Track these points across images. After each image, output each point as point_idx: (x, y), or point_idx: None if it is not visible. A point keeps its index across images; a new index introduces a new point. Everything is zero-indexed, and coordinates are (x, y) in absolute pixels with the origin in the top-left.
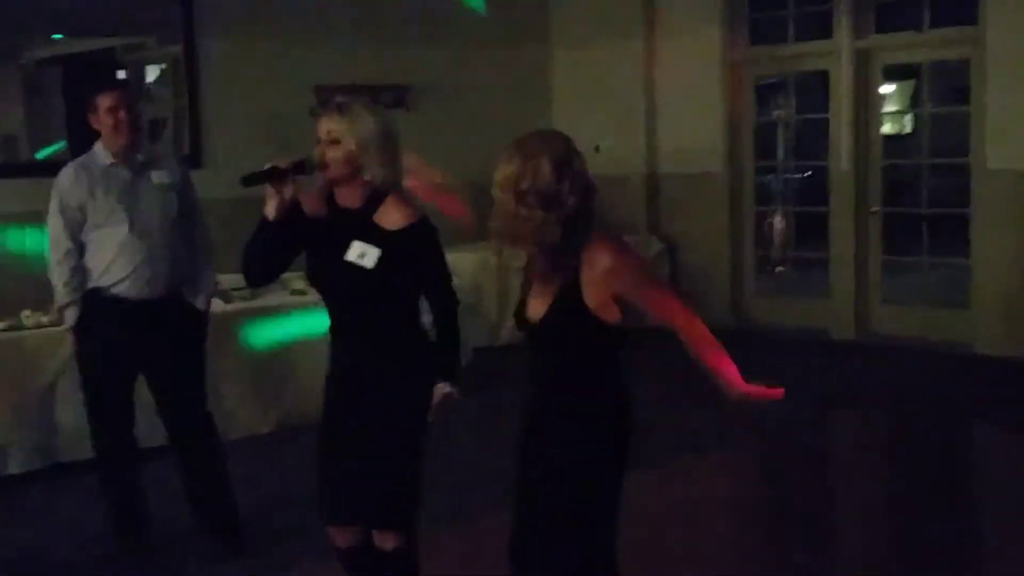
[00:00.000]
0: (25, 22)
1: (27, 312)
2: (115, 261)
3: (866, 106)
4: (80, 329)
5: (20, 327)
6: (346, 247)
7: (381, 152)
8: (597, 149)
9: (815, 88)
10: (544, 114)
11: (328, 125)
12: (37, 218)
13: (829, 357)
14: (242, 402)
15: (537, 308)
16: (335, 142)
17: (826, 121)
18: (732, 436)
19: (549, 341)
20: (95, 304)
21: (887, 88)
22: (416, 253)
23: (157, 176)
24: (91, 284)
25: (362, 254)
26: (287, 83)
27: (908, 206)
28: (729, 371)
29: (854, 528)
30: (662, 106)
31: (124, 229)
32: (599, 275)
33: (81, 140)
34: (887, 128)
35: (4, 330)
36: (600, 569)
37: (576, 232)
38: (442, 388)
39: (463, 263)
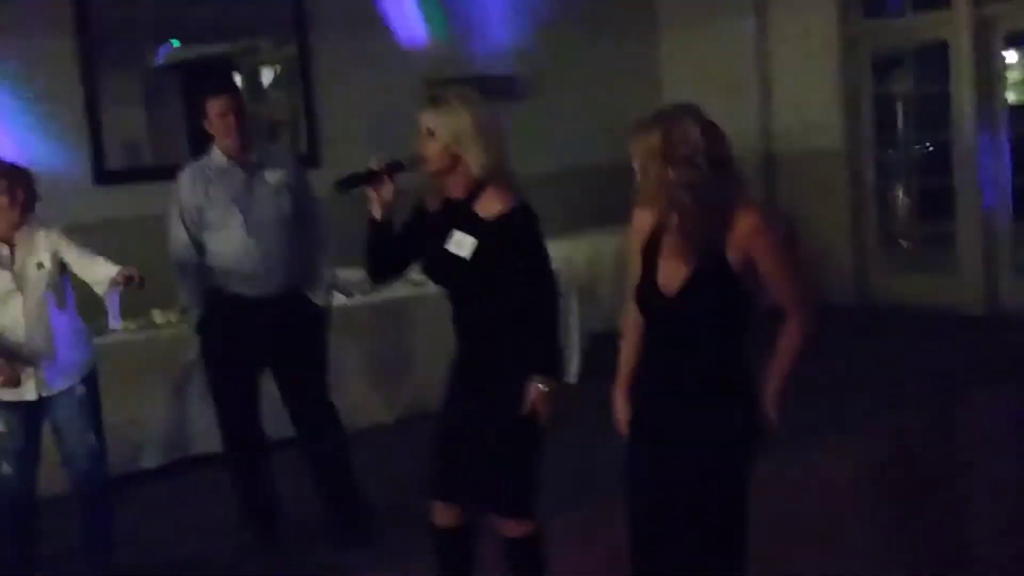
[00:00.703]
0: (144, 30)
1: (157, 311)
2: (232, 261)
3: (989, 76)
4: (203, 328)
5: (151, 326)
6: (449, 238)
7: (477, 142)
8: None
9: (935, 60)
10: (654, 98)
11: (424, 119)
12: (160, 221)
13: (958, 333)
14: (366, 393)
15: (673, 278)
16: (431, 136)
17: (947, 93)
18: (863, 417)
19: (690, 311)
20: (216, 303)
21: (1010, 57)
22: (512, 242)
23: (271, 176)
24: (212, 284)
25: (460, 244)
26: (398, 79)
27: None
28: (777, 384)
29: (989, 507)
30: (776, 84)
31: (240, 229)
32: (742, 235)
33: (201, 146)
34: (1012, 97)
35: (136, 329)
36: (736, 552)
37: (727, 191)
38: (534, 384)
39: (577, 250)
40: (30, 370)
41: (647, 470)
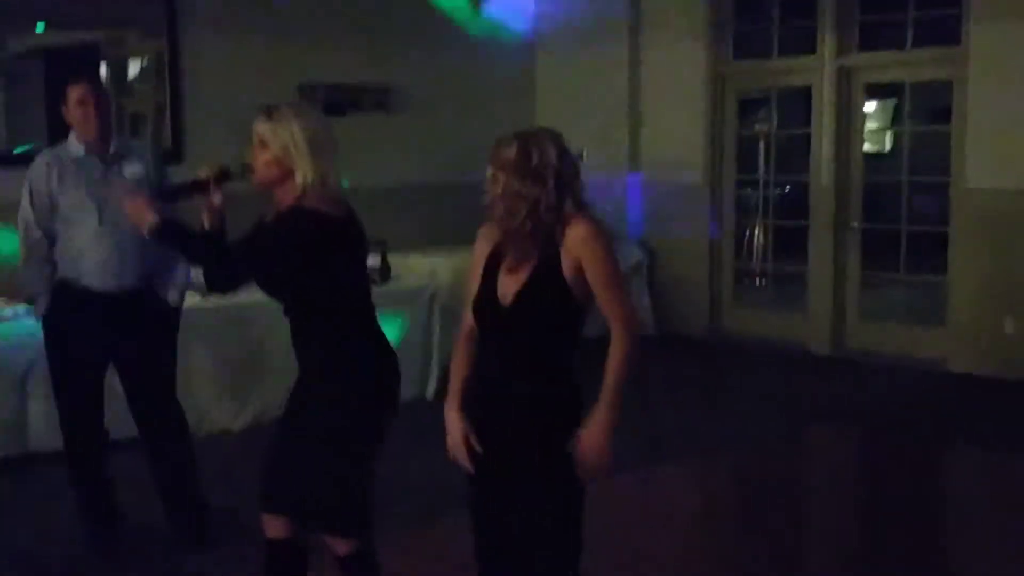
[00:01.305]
0: (7, 14)
1: (1, 300)
2: (84, 253)
3: (848, 123)
4: (49, 319)
5: None
6: None
7: (305, 156)
8: (581, 156)
9: (798, 103)
10: (528, 119)
11: (257, 128)
12: (11, 209)
13: (805, 371)
14: (215, 398)
15: (509, 289)
16: (262, 145)
17: (808, 136)
18: (704, 446)
19: (523, 318)
20: (64, 295)
21: (869, 106)
22: (272, 238)
23: (129, 168)
24: (60, 275)
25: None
26: (271, 80)
27: (887, 223)
28: (608, 410)
29: (821, 545)
30: (647, 114)
31: (93, 221)
32: (573, 243)
33: (60, 133)
34: (868, 146)
35: None
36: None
37: (559, 211)
38: None
39: (444, 266)
40: None
41: (479, 489)
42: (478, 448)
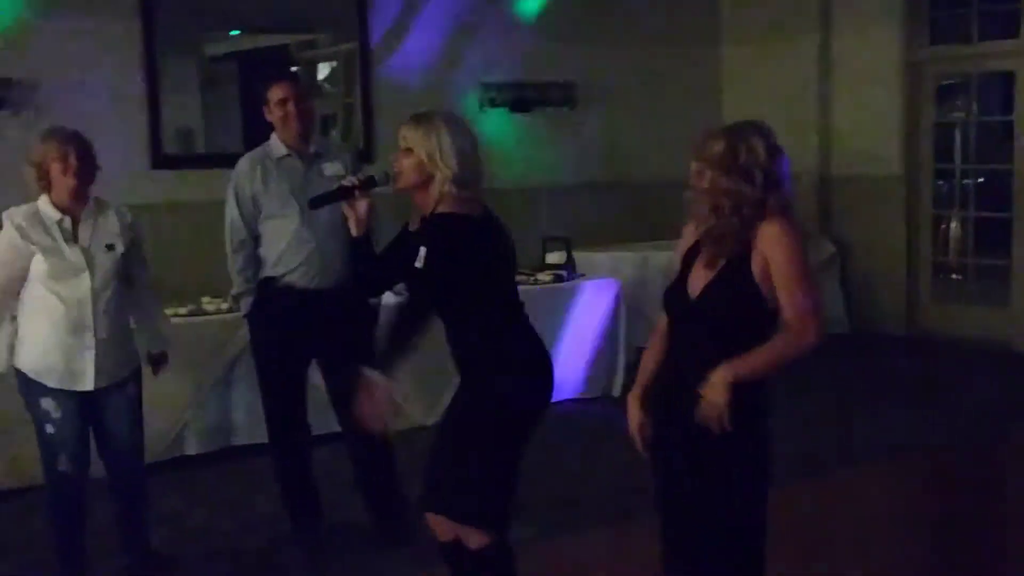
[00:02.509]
0: (203, 18)
1: (207, 298)
2: (287, 251)
3: None
4: (254, 317)
5: (200, 312)
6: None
7: (449, 163)
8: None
9: (998, 89)
10: (714, 113)
11: (404, 134)
12: (215, 207)
13: (1009, 370)
14: (411, 394)
15: (699, 282)
16: (408, 151)
17: (1010, 124)
18: (904, 446)
19: (707, 313)
20: (268, 293)
21: None
22: (432, 246)
23: (329, 167)
24: (264, 273)
25: (420, 257)
26: (455, 79)
27: None
28: (741, 363)
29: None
30: (837, 106)
31: (296, 219)
32: (762, 241)
33: (256, 133)
34: None
35: (186, 315)
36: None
37: (760, 209)
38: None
39: (627, 263)
40: (90, 357)
41: (663, 478)
42: (642, 442)
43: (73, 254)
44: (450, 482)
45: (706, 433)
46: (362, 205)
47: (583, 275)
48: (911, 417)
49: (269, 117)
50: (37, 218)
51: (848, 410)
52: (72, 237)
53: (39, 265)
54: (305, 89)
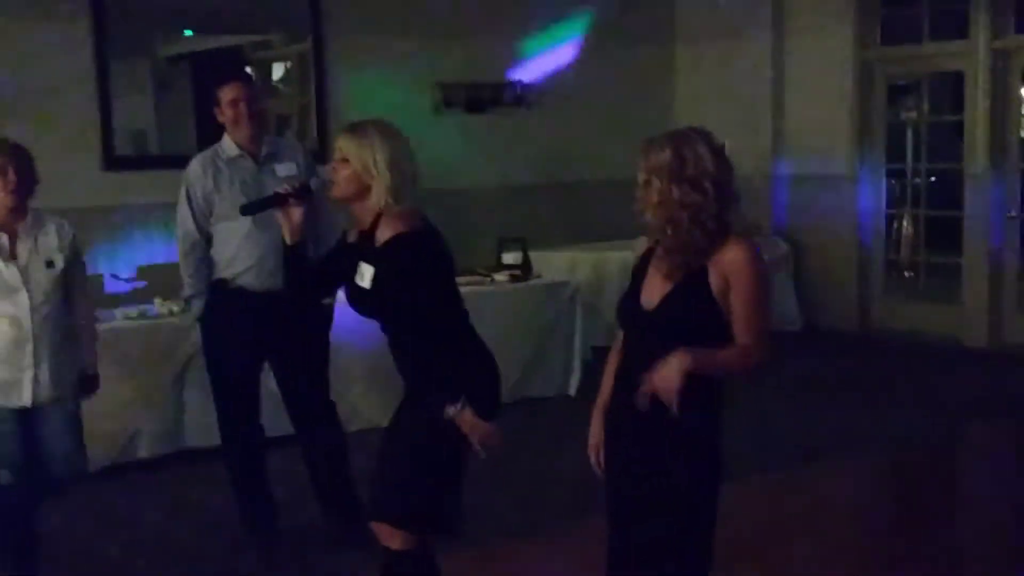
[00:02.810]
0: (156, 19)
1: (159, 300)
2: (239, 252)
3: (1004, 108)
4: (206, 319)
5: (151, 315)
6: (357, 270)
7: (385, 175)
8: (722, 147)
9: (948, 89)
10: (667, 113)
11: (341, 144)
12: (166, 210)
13: (961, 366)
14: (364, 395)
15: (654, 294)
16: (344, 161)
17: (959, 123)
18: (856, 444)
19: (664, 325)
20: (220, 295)
21: None
22: (396, 267)
23: (281, 168)
24: (217, 275)
25: (362, 274)
26: (412, 80)
27: None
28: (693, 355)
29: (979, 547)
30: (789, 105)
31: (247, 221)
32: (727, 263)
33: (209, 134)
34: None
35: (136, 318)
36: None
37: (721, 222)
38: (448, 411)
39: (583, 262)
40: (28, 374)
41: (612, 493)
42: (599, 466)
43: (9, 272)
44: (386, 485)
45: (658, 432)
46: (296, 213)
47: (539, 275)
48: (864, 414)
49: (221, 118)
50: None
51: (801, 407)
52: (9, 255)
53: None
54: (257, 89)
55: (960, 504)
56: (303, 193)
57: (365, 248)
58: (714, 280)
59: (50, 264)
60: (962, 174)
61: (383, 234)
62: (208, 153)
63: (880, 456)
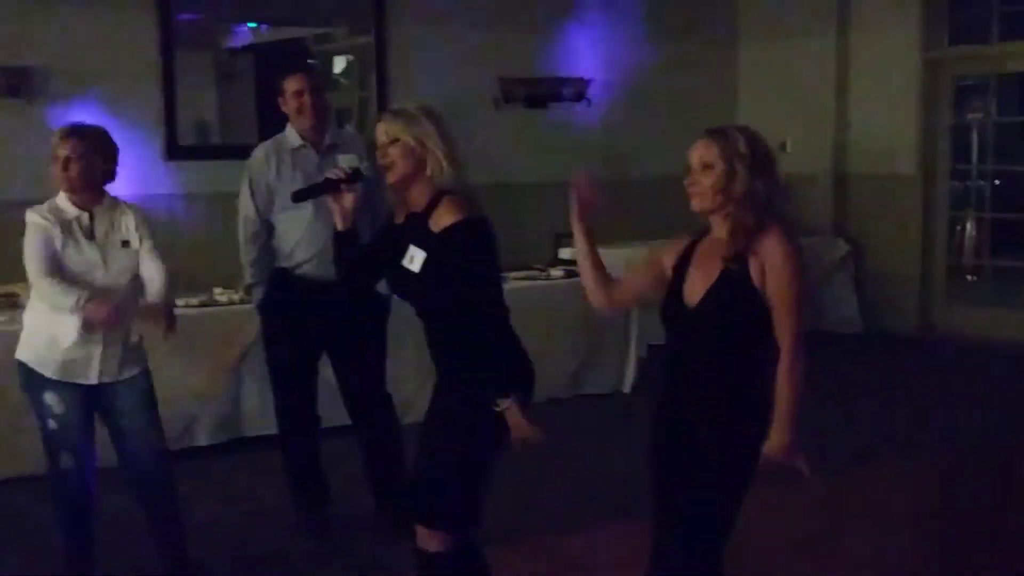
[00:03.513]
0: (220, 11)
1: (219, 289)
2: (300, 242)
3: None
4: (266, 308)
5: (212, 303)
6: (405, 252)
7: (440, 148)
8: (784, 147)
9: (1016, 90)
10: (730, 111)
11: (385, 126)
12: (230, 199)
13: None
14: (420, 388)
15: (697, 289)
16: (393, 140)
17: None
18: (922, 446)
19: (708, 321)
20: (281, 284)
21: None
22: (455, 254)
23: (344, 159)
24: (278, 264)
25: (412, 258)
26: (472, 74)
27: None
28: (786, 418)
29: None
30: (854, 105)
31: (310, 211)
32: (765, 252)
33: (271, 126)
34: None
35: (198, 305)
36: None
37: (764, 216)
38: (500, 404)
39: (638, 260)
40: (98, 350)
41: (657, 487)
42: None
43: (90, 250)
44: (419, 486)
45: (700, 433)
46: (348, 198)
47: None
48: (925, 417)
49: (284, 108)
50: (56, 213)
51: (862, 410)
52: (89, 233)
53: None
54: (320, 81)
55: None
56: (355, 177)
57: (417, 231)
58: (755, 271)
59: (126, 243)
60: None
61: (442, 219)
62: (271, 143)
63: (940, 458)
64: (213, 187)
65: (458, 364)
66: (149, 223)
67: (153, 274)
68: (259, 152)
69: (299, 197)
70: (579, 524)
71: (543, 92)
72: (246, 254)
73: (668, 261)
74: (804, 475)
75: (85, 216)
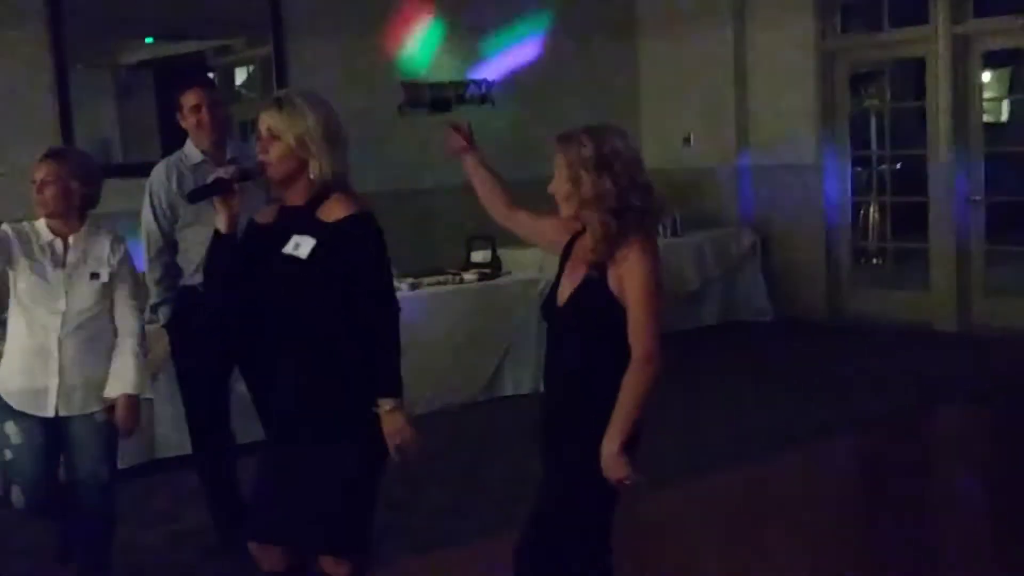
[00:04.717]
0: (117, 26)
1: None
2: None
3: (965, 94)
4: (173, 326)
5: None
6: (286, 243)
7: (323, 146)
8: (687, 141)
9: (910, 75)
10: (632, 106)
11: (267, 121)
12: (131, 217)
13: (931, 349)
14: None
15: (565, 291)
16: (275, 138)
17: (922, 109)
18: (830, 430)
19: (569, 323)
20: (188, 302)
21: (986, 76)
22: (350, 245)
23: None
24: (183, 282)
25: (297, 245)
26: (373, 81)
27: (1010, 195)
28: (617, 428)
29: (950, 531)
30: (753, 97)
31: (213, 226)
32: (622, 262)
33: (173, 141)
34: (987, 117)
35: None
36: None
37: (628, 221)
38: (384, 405)
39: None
40: (54, 382)
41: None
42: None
43: (55, 276)
44: (322, 515)
45: (561, 437)
46: (236, 201)
47: (508, 272)
48: (838, 399)
49: (183, 124)
50: (29, 235)
51: (774, 395)
52: (59, 261)
53: (21, 282)
54: (218, 95)
55: (928, 488)
56: (246, 176)
57: (301, 222)
58: (613, 280)
59: (95, 276)
60: (926, 160)
61: (333, 211)
62: (171, 159)
63: (855, 440)
64: (116, 205)
65: (340, 367)
66: (129, 260)
67: (125, 335)
68: (159, 169)
69: (194, 197)
70: (504, 528)
71: (446, 96)
72: (151, 272)
73: (562, 241)
74: (630, 488)
75: (59, 242)
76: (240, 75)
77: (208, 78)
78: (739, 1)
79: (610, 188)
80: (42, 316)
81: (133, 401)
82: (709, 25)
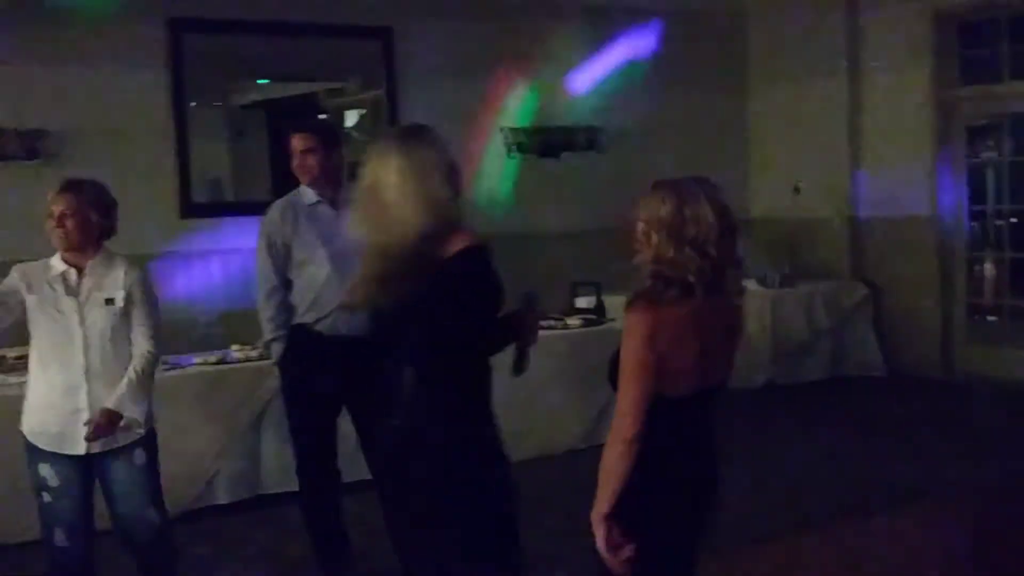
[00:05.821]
0: (231, 68)
1: (236, 346)
2: (318, 298)
3: None
4: (284, 364)
5: (229, 360)
6: None
7: (411, 196)
8: (797, 190)
9: None
10: (742, 155)
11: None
12: (243, 256)
13: None
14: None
15: None
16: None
17: None
18: (942, 490)
19: (612, 377)
20: (300, 340)
21: None
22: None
23: None
24: (296, 320)
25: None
26: (481, 126)
27: None
28: (604, 496)
29: None
30: (867, 145)
31: (326, 266)
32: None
33: (284, 181)
34: None
35: (215, 363)
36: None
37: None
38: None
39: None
40: (84, 417)
41: None
42: None
43: (68, 305)
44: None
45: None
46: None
47: (613, 319)
48: (949, 458)
49: (293, 166)
50: (43, 270)
51: (888, 451)
52: (74, 291)
53: (35, 318)
54: (329, 138)
55: None
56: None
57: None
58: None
59: (109, 302)
60: None
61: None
62: (286, 199)
63: (968, 501)
64: (228, 243)
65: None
66: (147, 286)
67: (135, 356)
68: (274, 209)
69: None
70: None
71: (555, 141)
72: (264, 310)
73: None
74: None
75: (73, 272)
76: (351, 117)
77: (318, 122)
78: (854, 50)
79: (671, 257)
80: (63, 352)
81: (111, 416)
82: (823, 73)
